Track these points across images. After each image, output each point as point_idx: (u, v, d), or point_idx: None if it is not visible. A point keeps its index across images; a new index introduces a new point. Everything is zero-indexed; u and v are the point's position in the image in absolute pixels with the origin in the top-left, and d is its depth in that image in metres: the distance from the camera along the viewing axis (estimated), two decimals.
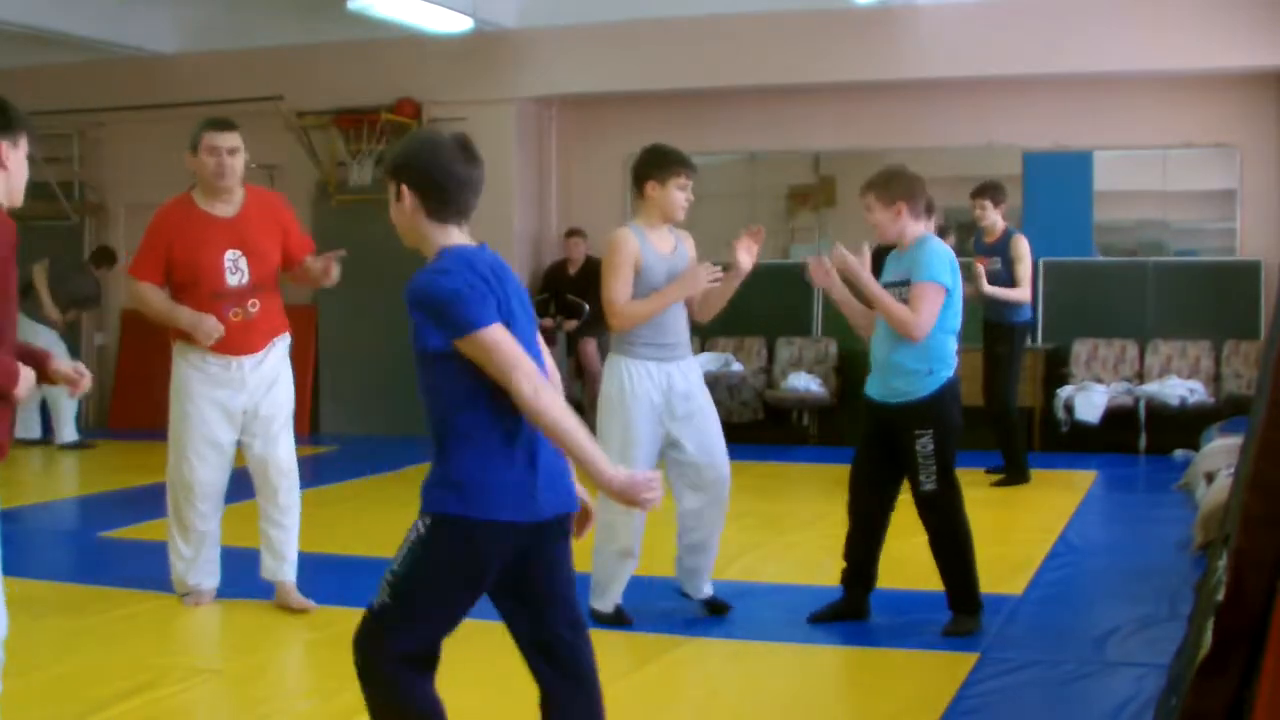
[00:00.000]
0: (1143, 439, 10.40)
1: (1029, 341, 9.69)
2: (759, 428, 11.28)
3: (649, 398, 5.24)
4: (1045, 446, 9.92)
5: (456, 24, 10.98)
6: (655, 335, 5.28)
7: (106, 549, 7.31)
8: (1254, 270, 10.72)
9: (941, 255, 5.25)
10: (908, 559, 6.72)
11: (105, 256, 11.75)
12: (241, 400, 5.55)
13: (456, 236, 3.05)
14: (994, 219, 8.97)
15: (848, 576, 5.47)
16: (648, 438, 5.24)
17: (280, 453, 5.64)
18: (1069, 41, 10.49)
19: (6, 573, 6.46)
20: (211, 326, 5.40)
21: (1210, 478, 7.19)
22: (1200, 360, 10.72)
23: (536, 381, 2.91)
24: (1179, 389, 10.33)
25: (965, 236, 11.86)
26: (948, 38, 10.72)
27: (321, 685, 4.60)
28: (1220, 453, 7.61)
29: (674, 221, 5.40)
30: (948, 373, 5.25)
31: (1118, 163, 11.25)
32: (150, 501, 8.72)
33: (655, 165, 5.32)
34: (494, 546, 2.95)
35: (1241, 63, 10.28)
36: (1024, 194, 11.20)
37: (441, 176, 3.02)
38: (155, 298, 5.52)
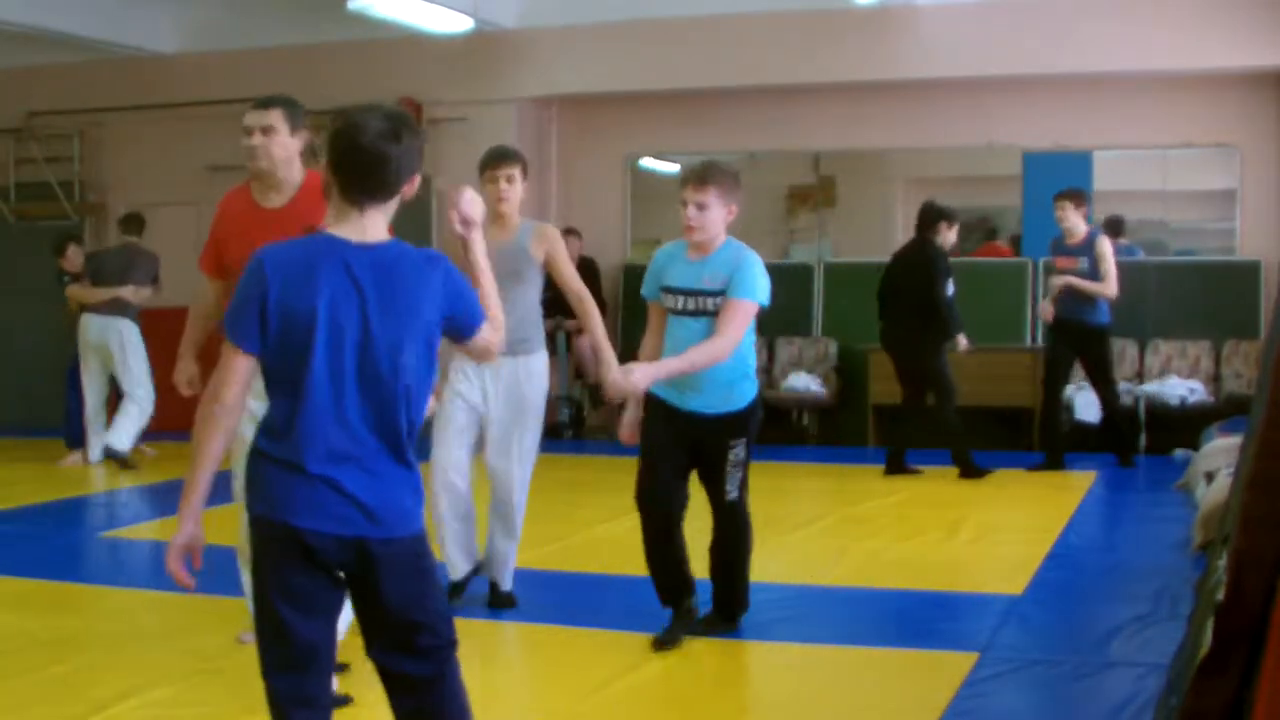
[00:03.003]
0: (1143, 439, 10.41)
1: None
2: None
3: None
4: (1045, 446, 9.88)
5: (456, 24, 10.99)
6: None
7: (106, 549, 7.32)
8: (1254, 270, 10.73)
9: (764, 272, 4.93)
10: (908, 559, 6.74)
11: (135, 222, 10.61)
12: None
13: (352, 220, 2.90)
14: (1075, 221, 9.20)
15: (669, 596, 5.15)
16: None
17: None
18: (1069, 41, 10.49)
19: (5, 573, 6.47)
20: (182, 383, 4.97)
21: (1210, 478, 7.19)
22: (1200, 360, 10.73)
23: (204, 406, 2.90)
24: (1179, 389, 10.35)
25: (966, 235, 11.89)
26: (948, 38, 10.73)
27: None
28: (1220, 453, 7.61)
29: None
30: (756, 383, 5.07)
31: (1118, 163, 11.26)
32: (151, 501, 8.75)
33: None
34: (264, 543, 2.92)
35: (1241, 63, 10.28)
36: (1024, 194, 11.22)
37: (343, 150, 2.88)
38: (198, 301, 5.00)
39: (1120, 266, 10.93)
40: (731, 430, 5.00)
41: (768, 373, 11.58)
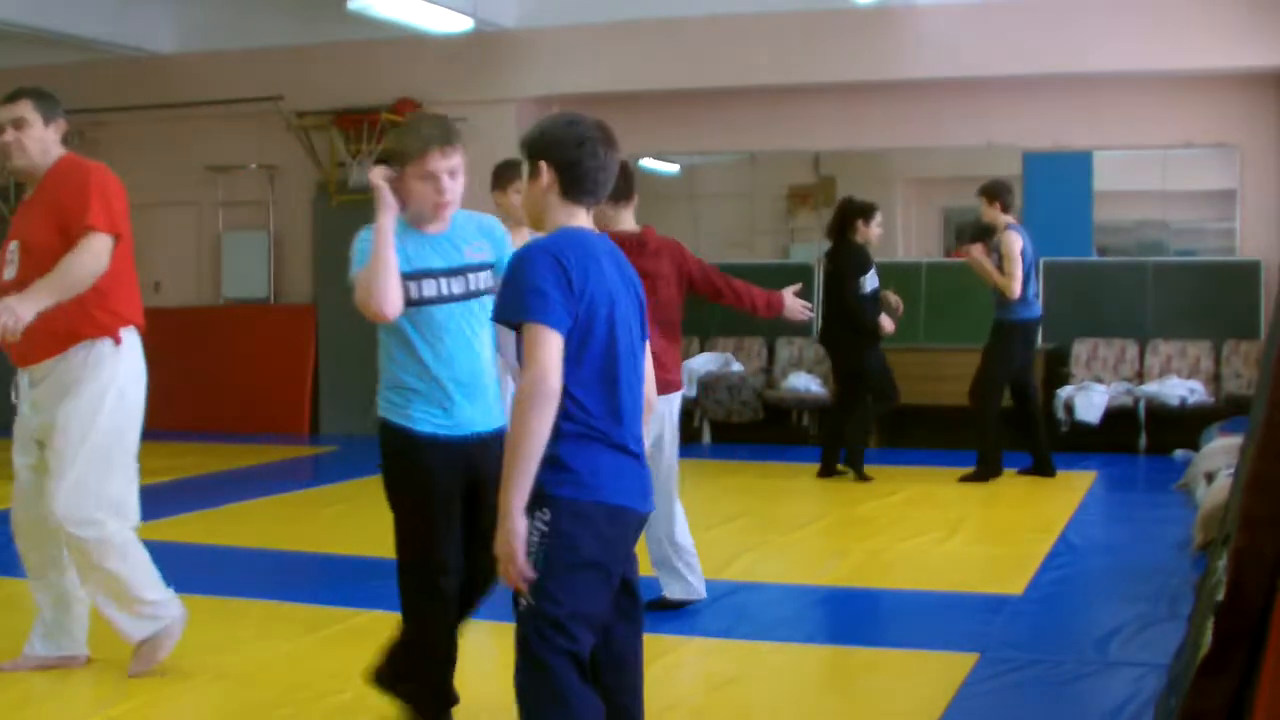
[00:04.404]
0: (1143, 439, 10.41)
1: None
2: (759, 428, 11.28)
3: None
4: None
5: (456, 24, 10.99)
6: None
7: None
8: (1254, 270, 10.73)
9: None
10: (908, 559, 6.74)
11: None
12: (27, 420, 4.63)
13: (581, 219, 3.12)
14: (992, 216, 9.08)
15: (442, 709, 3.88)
16: None
17: (57, 495, 4.50)
18: (1069, 41, 10.49)
19: (5, 573, 6.47)
20: None
21: (1210, 478, 7.19)
22: (1200, 360, 10.73)
23: (533, 391, 2.89)
24: (1179, 389, 10.34)
25: (963, 235, 11.90)
26: (948, 38, 10.73)
27: (322, 685, 4.59)
28: (1220, 453, 7.62)
29: None
30: None
31: (1118, 163, 11.26)
32: (150, 502, 8.72)
33: None
34: (591, 526, 2.97)
35: (1241, 63, 10.28)
36: (1024, 194, 11.20)
37: (579, 157, 3.10)
38: None
39: (1119, 266, 10.95)
40: None
41: (767, 373, 11.58)
